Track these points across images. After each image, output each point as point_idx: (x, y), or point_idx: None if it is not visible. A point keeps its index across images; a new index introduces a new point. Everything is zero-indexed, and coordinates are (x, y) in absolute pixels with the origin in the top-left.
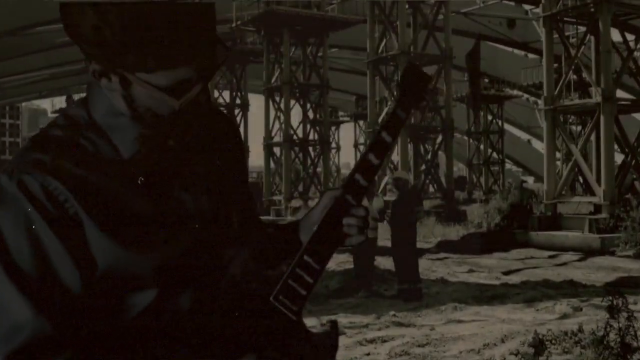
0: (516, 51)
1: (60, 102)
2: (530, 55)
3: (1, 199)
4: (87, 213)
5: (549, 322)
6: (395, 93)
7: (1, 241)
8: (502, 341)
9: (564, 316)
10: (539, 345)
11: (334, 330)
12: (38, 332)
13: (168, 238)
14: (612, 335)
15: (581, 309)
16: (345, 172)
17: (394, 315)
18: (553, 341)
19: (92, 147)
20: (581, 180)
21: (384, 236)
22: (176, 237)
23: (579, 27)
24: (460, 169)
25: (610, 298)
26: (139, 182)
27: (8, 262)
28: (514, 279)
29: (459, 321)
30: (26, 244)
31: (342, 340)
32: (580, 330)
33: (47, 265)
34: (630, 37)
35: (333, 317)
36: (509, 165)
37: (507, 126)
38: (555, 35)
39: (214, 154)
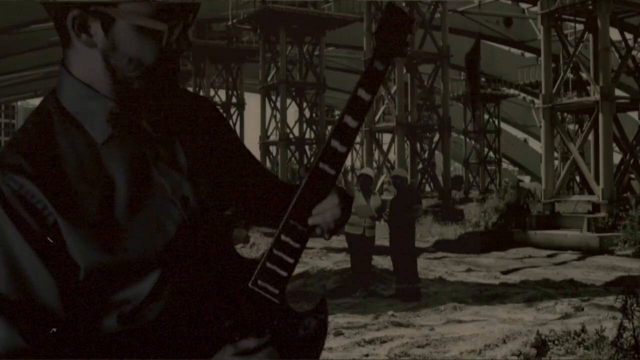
0: (513, 50)
1: None
2: (527, 54)
3: None
4: (66, 218)
5: (550, 322)
6: (372, 42)
7: None
8: (504, 342)
9: (566, 316)
10: (541, 346)
11: (322, 308)
12: (12, 346)
13: (149, 228)
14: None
15: (582, 309)
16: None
17: (393, 315)
18: (556, 342)
19: (66, 141)
20: (578, 179)
21: (381, 235)
22: (157, 226)
23: (576, 25)
24: (456, 168)
25: (624, 298)
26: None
27: None
28: (513, 278)
29: (459, 321)
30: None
31: (340, 341)
32: (584, 330)
33: (21, 278)
34: (628, 36)
35: (330, 318)
36: (505, 164)
37: (503, 125)
38: (553, 34)
39: (197, 137)
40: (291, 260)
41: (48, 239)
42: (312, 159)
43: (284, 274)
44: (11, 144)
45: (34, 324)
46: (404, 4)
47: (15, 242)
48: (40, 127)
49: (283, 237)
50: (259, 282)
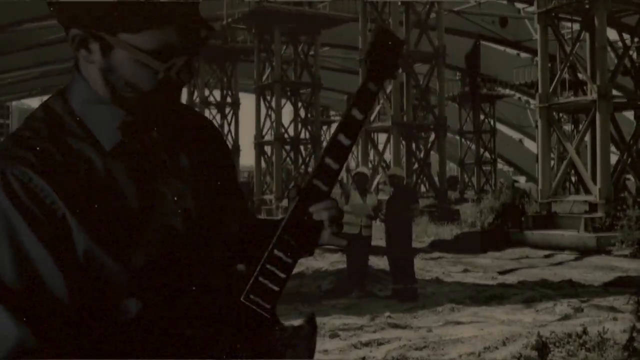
0: (508, 50)
1: None
2: (523, 54)
3: None
4: (74, 214)
5: (549, 323)
6: (365, 63)
7: None
8: (504, 344)
9: (565, 317)
10: (542, 348)
11: (311, 324)
12: (22, 343)
13: (150, 237)
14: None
15: (582, 310)
16: None
17: (389, 316)
18: (557, 344)
19: (74, 141)
20: (573, 179)
21: (377, 235)
22: (158, 235)
23: (573, 24)
24: (451, 168)
25: (637, 300)
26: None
27: None
28: (511, 278)
29: (457, 323)
30: (7, 251)
31: (336, 343)
32: (585, 332)
33: (30, 273)
34: (625, 36)
35: (326, 319)
36: (500, 165)
37: (498, 125)
38: (550, 33)
39: (199, 152)
40: (283, 275)
41: (56, 231)
42: (307, 160)
43: (276, 288)
44: (18, 140)
45: (42, 317)
46: (399, 3)
47: (23, 233)
48: (48, 126)
49: (276, 251)
50: (251, 296)
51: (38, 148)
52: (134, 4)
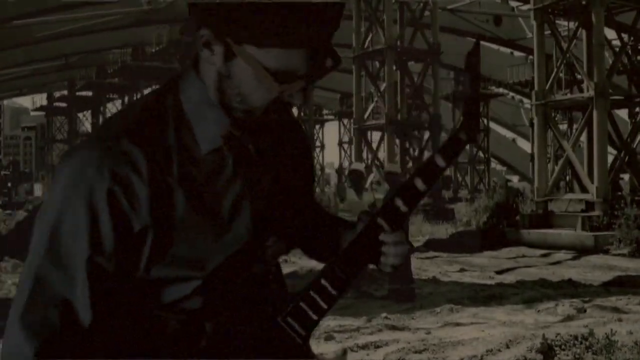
0: (502, 49)
1: (41, 99)
2: (516, 53)
3: (76, 179)
4: (156, 219)
5: (552, 324)
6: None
7: (60, 222)
8: (507, 346)
9: (568, 318)
10: (547, 351)
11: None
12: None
13: (220, 246)
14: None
15: (585, 310)
16: (330, 171)
17: (386, 317)
18: (562, 346)
19: (176, 141)
20: (567, 178)
21: None
22: (233, 244)
23: (569, 23)
24: None
25: None
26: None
27: (56, 252)
28: (509, 278)
29: (457, 324)
30: (84, 237)
31: (332, 346)
32: (591, 334)
33: (95, 260)
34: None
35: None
36: (493, 164)
37: (492, 125)
38: (547, 32)
39: (283, 164)
40: (325, 306)
41: (133, 238)
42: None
43: (315, 317)
44: (125, 130)
45: (94, 303)
46: (393, 2)
47: (105, 230)
48: (156, 120)
49: (322, 281)
50: (289, 319)
51: (144, 146)
52: (267, 19)
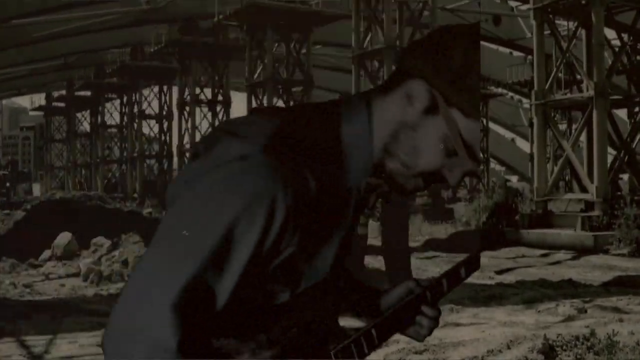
0: (501, 49)
1: (39, 99)
2: (515, 53)
3: (261, 188)
4: (295, 250)
5: (553, 325)
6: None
7: (236, 225)
8: (508, 347)
9: (569, 318)
10: (548, 351)
11: None
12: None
13: (319, 291)
14: (624, 339)
15: (586, 311)
16: None
17: None
18: (564, 347)
19: (328, 174)
20: (566, 179)
21: (371, 235)
22: (323, 282)
23: (569, 21)
24: None
25: None
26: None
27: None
28: (508, 278)
29: (457, 324)
30: (251, 246)
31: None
32: (593, 334)
33: (249, 271)
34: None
35: None
36: (492, 164)
37: (491, 125)
38: (547, 32)
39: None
40: (367, 352)
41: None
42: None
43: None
44: (292, 146)
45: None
46: (393, 1)
47: (249, 249)
48: (317, 143)
49: (362, 338)
50: (340, 355)
51: (306, 172)
52: (478, 93)
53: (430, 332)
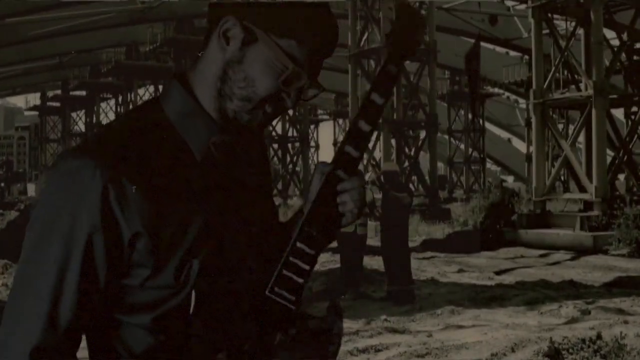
0: (497, 48)
1: (34, 99)
2: (512, 53)
3: (68, 185)
4: (147, 226)
5: (556, 327)
6: (384, 43)
7: (52, 230)
8: (512, 350)
9: (573, 320)
10: (554, 354)
11: (336, 313)
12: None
13: (214, 251)
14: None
15: (589, 312)
16: None
17: (386, 319)
18: (570, 350)
19: (169, 151)
20: (562, 178)
21: (369, 234)
22: (226, 243)
23: (567, 19)
24: (439, 167)
25: None
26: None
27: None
28: (508, 278)
29: (459, 326)
30: (79, 245)
31: None
32: (599, 337)
33: (87, 269)
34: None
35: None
36: (488, 164)
37: (487, 125)
38: (545, 31)
39: (260, 164)
40: (307, 267)
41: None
42: (295, 158)
43: (300, 280)
44: (115, 138)
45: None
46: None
47: (98, 245)
48: (144, 129)
49: (298, 244)
50: (276, 289)
51: (130, 158)
52: (290, 12)
53: (359, 204)
